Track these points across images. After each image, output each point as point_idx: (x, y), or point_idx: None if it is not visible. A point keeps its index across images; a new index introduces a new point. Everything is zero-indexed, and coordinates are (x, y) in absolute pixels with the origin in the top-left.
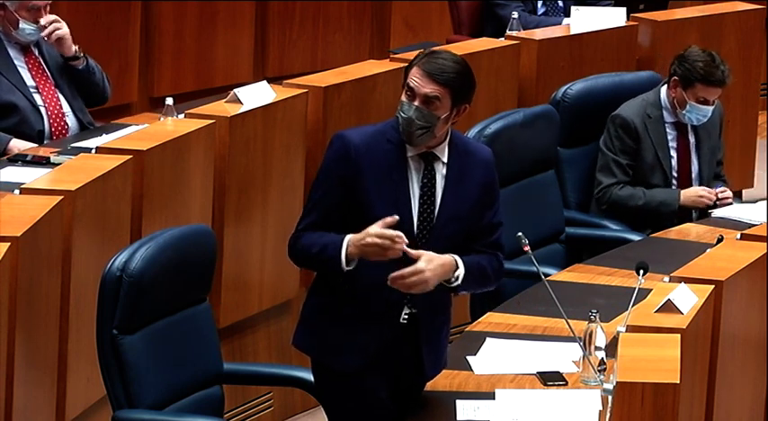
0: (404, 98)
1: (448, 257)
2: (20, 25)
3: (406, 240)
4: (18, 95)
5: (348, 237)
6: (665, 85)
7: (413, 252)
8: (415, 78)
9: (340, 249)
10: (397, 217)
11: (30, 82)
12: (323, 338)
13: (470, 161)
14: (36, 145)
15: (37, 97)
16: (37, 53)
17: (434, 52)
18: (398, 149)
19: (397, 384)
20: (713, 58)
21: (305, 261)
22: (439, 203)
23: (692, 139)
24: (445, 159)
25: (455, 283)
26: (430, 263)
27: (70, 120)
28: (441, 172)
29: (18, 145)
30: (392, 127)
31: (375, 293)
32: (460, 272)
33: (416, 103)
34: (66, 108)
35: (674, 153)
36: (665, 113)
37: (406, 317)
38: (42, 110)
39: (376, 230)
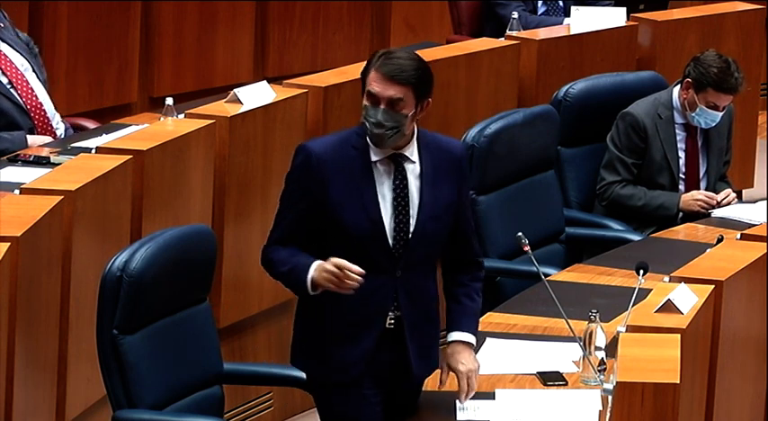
0: (367, 103)
1: (465, 346)
2: None
3: (361, 280)
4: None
5: (315, 263)
6: (678, 86)
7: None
8: (375, 83)
9: (306, 273)
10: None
11: (3, 79)
12: (315, 354)
13: (443, 157)
14: (50, 138)
15: (14, 93)
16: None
17: (389, 52)
18: (363, 155)
19: (391, 390)
20: (729, 64)
21: (275, 276)
22: (417, 204)
23: (700, 141)
24: (415, 158)
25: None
26: (464, 364)
27: (48, 108)
28: (413, 172)
29: (37, 141)
30: (356, 133)
31: (359, 304)
32: (474, 341)
33: (382, 106)
34: (41, 96)
35: (681, 154)
36: (675, 114)
37: (392, 321)
38: (23, 106)
39: (336, 261)
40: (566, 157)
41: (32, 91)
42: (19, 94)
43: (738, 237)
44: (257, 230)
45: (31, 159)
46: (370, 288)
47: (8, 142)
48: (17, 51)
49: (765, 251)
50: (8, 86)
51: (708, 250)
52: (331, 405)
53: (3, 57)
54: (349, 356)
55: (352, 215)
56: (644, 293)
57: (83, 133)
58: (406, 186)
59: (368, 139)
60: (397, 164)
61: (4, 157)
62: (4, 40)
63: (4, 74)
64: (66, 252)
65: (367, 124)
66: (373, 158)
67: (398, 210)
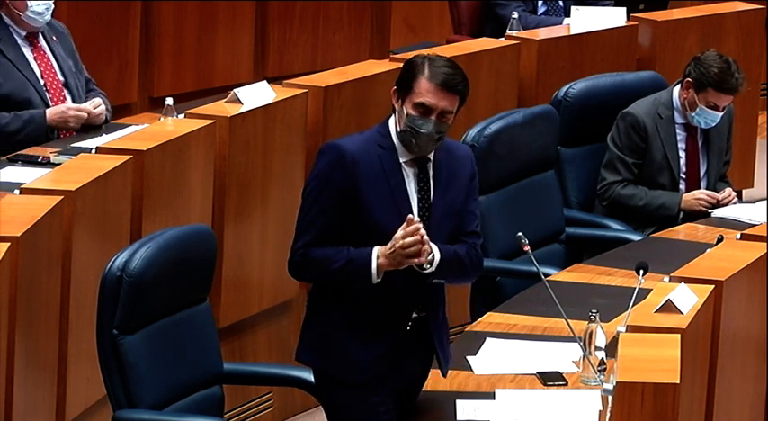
0: (414, 113)
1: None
2: (28, 4)
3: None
4: (32, 92)
5: (377, 249)
6: (679, 85)
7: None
8: (430, 94)
9: (370, 262)
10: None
11: (41, 79)
12: (330, 353)
13: (454, 159)
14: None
15: (48, 96)
16: (47, 49)
17: (432, 59)
18: (392, 155)
19: (405, 388)
20: (729, 65)
21: (320, 277)
22: (432, 205)
23: (700, 141)
24: (431, 159)
25: (429, 270)
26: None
27: None
28: (430, 173)
29: (57, 109)
30: (379, 133)
31: (383, 303)
32: (435, 258)
33: (433, 118)
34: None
35: (682, 154)
36: (675, 114)
37: (411, 323)
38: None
39: (406, 234)
40: (566, 157)
41: (64, 99)
42: (50, 98)
43: (738, 237)
44: (257, 230)
45: (31, 159)
46: (396, 288)
47: (22, 121)
48: (61, 69)
49: (765, 251)
50: (44, 88)
51: (708, 250)
52: (341, 406)
53: (47, 62)
54: (367, 356)
55: (385, 214)
56: (644, 293)
57: (83, 133)
58: (429, 188)
59: (397, 141)
60: (420, 165)
61: (5, 157)
62: (53, 52)
63: (42, 77)
64: (66, 252)
65: (413, 133)
66: (401, 159)
67: (423, 210)
